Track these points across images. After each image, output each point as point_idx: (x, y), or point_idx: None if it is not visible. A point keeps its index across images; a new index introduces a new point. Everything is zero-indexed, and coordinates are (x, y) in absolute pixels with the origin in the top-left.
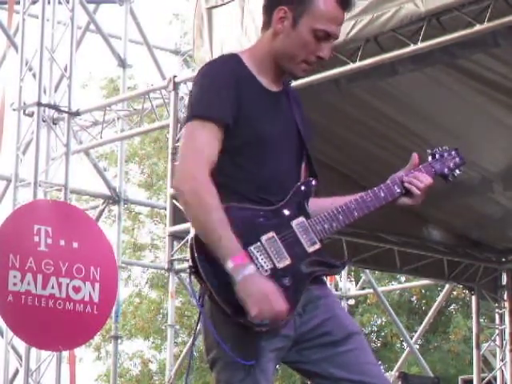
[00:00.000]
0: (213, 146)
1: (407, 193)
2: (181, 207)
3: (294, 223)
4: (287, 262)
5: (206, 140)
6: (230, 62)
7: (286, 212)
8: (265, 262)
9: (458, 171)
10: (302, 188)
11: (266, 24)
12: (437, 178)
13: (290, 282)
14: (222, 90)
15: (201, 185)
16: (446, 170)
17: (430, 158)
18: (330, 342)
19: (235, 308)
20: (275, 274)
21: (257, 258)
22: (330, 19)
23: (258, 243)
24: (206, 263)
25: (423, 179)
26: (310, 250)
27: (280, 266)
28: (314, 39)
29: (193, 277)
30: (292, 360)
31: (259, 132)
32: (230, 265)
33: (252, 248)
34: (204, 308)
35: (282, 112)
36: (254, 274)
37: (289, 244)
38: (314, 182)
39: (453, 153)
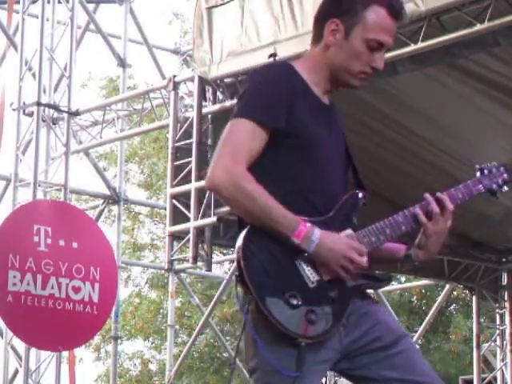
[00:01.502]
0: (253, 144)
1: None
2: (224, 203)
3: (342, 235)
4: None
5: (246, 137)
6: (288, 70)
7: (335, 223)
8: (311, 274)
9: (506, 187)
10: (351, 200)
11: (317, 37)
12: (485, 193)
13: (336, 295)
14: (276, 95)
15: (239, 176)
16: (494, 185)
17: (478, 174)
18: (381, 347)
19: (281, 318)
20: (322, 287)
21: (303, 270)
22: (381, 29)
23: (306, 254)
24: (253, 270)
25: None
26: (346, 276)
27: (326, 278)
28: (367, 50)
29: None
30: (343, 368)
31: (311, 138)
32: (295, 241)
33: (298, 259)
34: (249, 317)
35: (334, 125)
36: (322, 238)
37: None
38: (361, 195)
39: (501, 169)
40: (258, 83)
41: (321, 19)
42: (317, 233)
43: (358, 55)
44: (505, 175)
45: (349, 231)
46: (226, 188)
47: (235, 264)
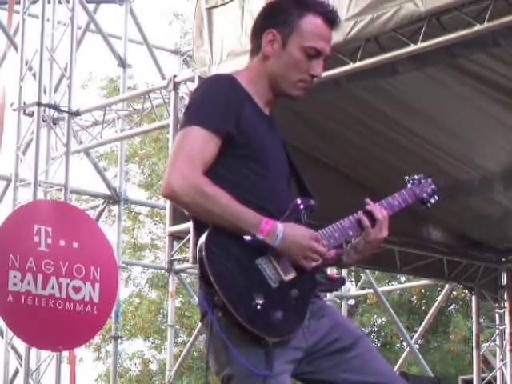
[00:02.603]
0: (206, 150)
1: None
2: (184, 210)
3: (302, 226)
4: (293, 275)
5: (199, 144)
6: (233, 80)
7: None
8: (273, 274)
9: (433, 199)
10: (300, 205)
11: (256, 49)
12: (417, 202)
13: (297, 294)
14: (224, 103)
15: (196, 180)
16: (424, 195)
17: (409, 184)
18: (340, 348)
19: (248, 318)
20: (284, 286)
21: (265, 270)
22: (317, 36)
23: (264, 256)
24: (218, 272)
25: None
26: (310, 267)
27: (286, 278)
28: (304, 57)
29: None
30: (303, 372)
31: (260, 148)
32: (260, 237)
33: (259, 260)
34: (216, 321)
35: (275, 135)
36: (285, 231)
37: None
38: (302, 205)
39: (429, 180)
40: (206, 93)
41: (258, 31)
42: (280, 226)
43: (296, 63)
44: (433, 186)
45: None
46: (185, 193)
47: (198, 266)
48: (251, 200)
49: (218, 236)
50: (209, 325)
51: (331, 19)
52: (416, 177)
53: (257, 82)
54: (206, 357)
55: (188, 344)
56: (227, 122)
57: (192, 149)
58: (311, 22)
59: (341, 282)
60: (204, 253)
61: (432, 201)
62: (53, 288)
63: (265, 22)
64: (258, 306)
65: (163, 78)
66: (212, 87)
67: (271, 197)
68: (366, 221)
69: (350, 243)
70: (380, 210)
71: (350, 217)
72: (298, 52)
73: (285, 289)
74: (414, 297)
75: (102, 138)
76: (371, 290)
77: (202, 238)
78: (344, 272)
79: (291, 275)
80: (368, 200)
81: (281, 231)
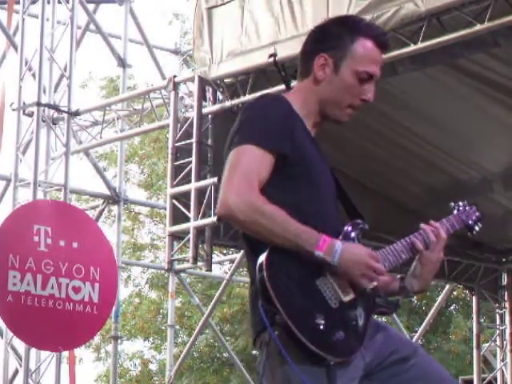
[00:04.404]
0: (261, 169)
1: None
2: (240, 228)
3: (359, 244)
4: (352, 296)
5: (254, 162)
6: (284, 100)
7: None
8: (333, 295)
9: (478, 226)
10: (351, 232)
11: (305, 71)
12: (463, 229)
13: (357, 315)
14: (278, 122)
15: (253, 197)
16: (470, 221)
17: (455, 211)
18: (400, 358)
19: (312, 338)
20: (344, 307)
21: (325, 291)
22: (370, 60)
23: (323, 277)
24: (279, 291)
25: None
26: (369, 286)
27: (346, 299)
28: (357, 82)
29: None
30: None
31: (310, 168)
32: (319, 254)
33: (319, 280)
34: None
35: (322, 157)
36: (344, 248)
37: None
38: (363, 223)
39: (473, 207)
40: (259, 112)
41: (308, 54)
42: (339, 243)
43: (348, 88)
44: (477, 213)
45: None
46: (242, 211)
47: (258, 285)
48: (304, 219)
49: (277, 255)
50: (264, 344)
51: (382, 42)
52: (461, 203)
53: (306, 105)
54: (260, 378)
55: (188, 344)
56: (282, 141)
57: (248, 167)
58: (364, 47)
59: (397, 305)
60: (265, 272)
61: (477, 228)
62: (52, 288)
63: (316, 45)
64: (321, 326)
65: (163, 77)
66: (265, 106)
67: (323, 217)
68: (419, 244)
69: (410, 271)
70: (432, 232)
71: (402, 240)
72: (350, 76)
73: (344, 309)
74: (415, 297)
75: (101, 138)
76: None
77: (262, 258)
78: None
79: (350, 296)
80: (422, 225)
81: (340, 247)
